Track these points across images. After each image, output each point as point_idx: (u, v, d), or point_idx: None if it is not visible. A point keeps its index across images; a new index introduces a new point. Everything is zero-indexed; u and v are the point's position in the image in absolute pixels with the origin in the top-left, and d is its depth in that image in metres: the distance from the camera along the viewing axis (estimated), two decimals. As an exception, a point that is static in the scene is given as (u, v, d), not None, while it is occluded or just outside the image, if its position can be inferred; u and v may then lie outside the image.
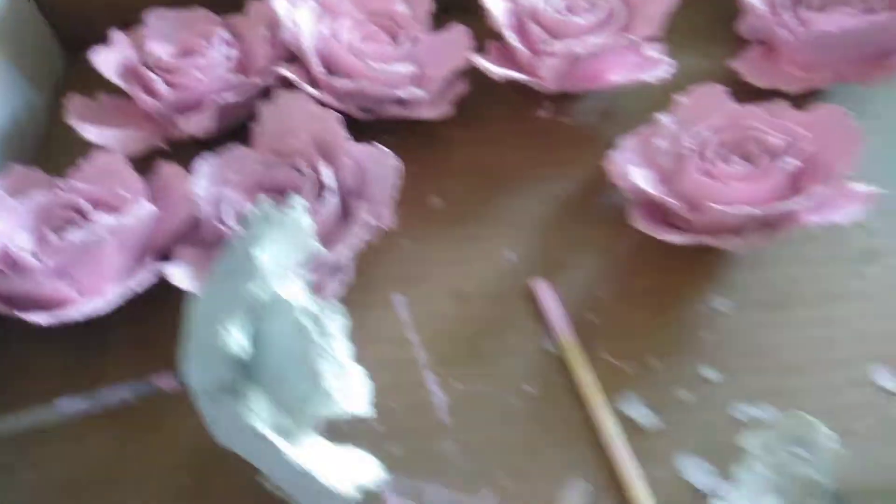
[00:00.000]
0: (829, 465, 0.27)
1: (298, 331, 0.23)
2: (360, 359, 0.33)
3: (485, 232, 0.40)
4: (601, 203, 0.40)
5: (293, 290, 0.25)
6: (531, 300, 0.37)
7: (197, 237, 0.37)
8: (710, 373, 0.34)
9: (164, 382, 0.27)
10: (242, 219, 0.25)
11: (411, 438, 0.33)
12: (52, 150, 0.46)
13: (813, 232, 0.38)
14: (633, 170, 0.37)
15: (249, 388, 0.22)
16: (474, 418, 0.34)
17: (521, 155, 0.43)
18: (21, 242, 0.34)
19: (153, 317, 0.36)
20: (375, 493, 0.28)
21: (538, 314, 0.37)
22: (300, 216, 0.26)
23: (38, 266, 0.32)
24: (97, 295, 0.34)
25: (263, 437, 0.22)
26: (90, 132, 0.39)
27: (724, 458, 0.31)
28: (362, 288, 0.38)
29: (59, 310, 0.33)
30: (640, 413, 0.33)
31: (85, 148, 0.40)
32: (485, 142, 0.44)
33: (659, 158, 0.38)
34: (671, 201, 0.35)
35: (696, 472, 0.31)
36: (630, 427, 0.33)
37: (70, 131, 0.41)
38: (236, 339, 0.22)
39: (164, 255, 0.36)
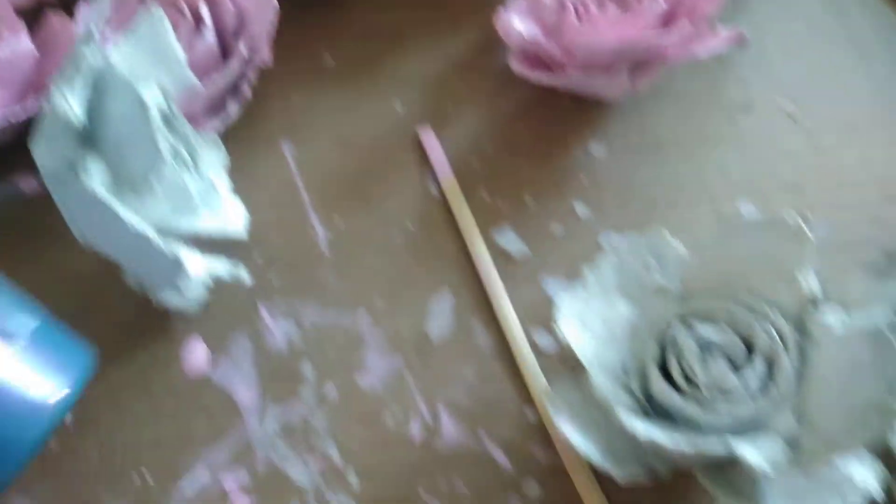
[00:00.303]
0: (675, 270, 0.29)
1: (138, 105, 0.24)
2: (247, 198, 0.34)
3: (375, 87, 0.41)
4: (490, 60, 0.41)
5: (151, 92, 0.26)
6: (417, 148, 0.38)
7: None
8: (581, 209, 0.36)
9: (25, 184, 0.27)
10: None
11: (291, 269, 0.34)
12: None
13: (690, 84, 0.40)
14: (518, 22, 0.38)
15: (88, 157, 0.23)
16: (354, 251, 0.35)
17: (416, 16, 0.44)
18: None
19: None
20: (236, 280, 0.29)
21: (423, 160, 0.38)
22: (160, 24, 0.26)
23: None
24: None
25: (100, 201, 0.22)
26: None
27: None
28: (251, 136, 0.38)
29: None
30: (512, 243, 0.34)
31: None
32: (380, 3, 0.44)
33: (544, 14, 0.39)
34: (549, 45, 0.36)
35: (560, 290, 0.33)
36: (503, 256, 0.34)
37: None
38: (69, 103, 0.22)
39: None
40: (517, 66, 0.37)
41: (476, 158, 0.38)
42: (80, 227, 0.26)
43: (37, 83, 0.36)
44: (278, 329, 0.32)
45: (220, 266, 0.27)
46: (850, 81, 0.40)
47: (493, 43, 0.41)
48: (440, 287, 0.33)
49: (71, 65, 0.22)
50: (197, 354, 0.31)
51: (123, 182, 0.24)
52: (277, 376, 0.31)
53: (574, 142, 0.38)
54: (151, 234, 0.23)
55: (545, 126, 0.39)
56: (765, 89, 0.40)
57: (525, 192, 0.36)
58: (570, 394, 0.27)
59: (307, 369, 0.31)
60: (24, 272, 0.33)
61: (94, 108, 0.24)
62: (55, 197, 0.26)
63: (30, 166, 0.32)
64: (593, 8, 0.37)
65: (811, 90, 0.40)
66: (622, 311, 0.29)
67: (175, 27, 0.35)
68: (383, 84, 0.41)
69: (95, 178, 0.23)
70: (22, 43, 0.35)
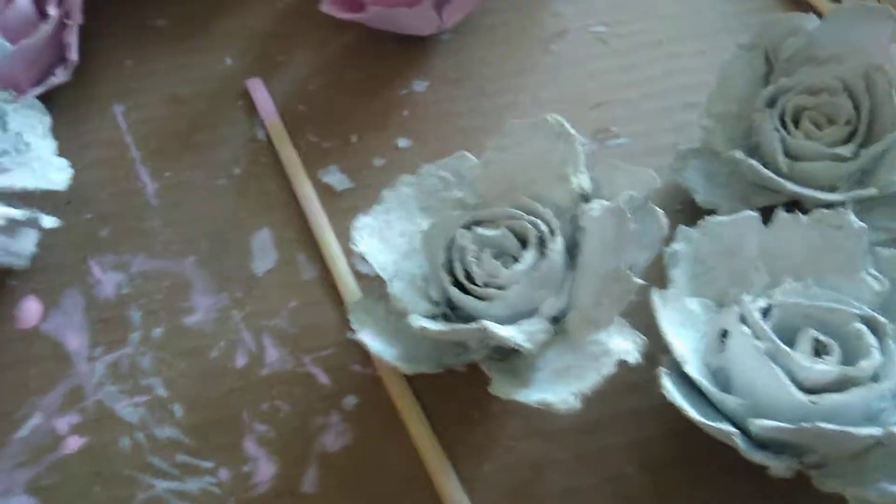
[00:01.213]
0: (471, 184, 0.31)
1: None
2: (76, 159, 0.34)
3: (205, 43, 0.42)
4: (316, 8, 0.42)
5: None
6: (245, 98, 0.39)
7: None
8: (403, 142, 0.37)
9: None
10: None
11: (118, 220, 0.35)
12: None
13: (506, 18, 0.42)
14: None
15: None
16: (182, 199, 0.36)
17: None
18: None
19: None
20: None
21: (251, 109, 0.39)
22: None
23: None
24: None
25: None
26: None
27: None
28: (82, 99, 0.39)
29: None
30: (336, 179, 0.36)
31: None
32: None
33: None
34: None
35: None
36: (327, 192, 0.36)
37: None
38: None
39: None
40: (326, 8, 0.38)
41: (304, 103, 0.39)
42: None
43: None
44: (108, 281, 0.33)
45: (15, 212, 0.28)
46: (657, 1, 0.42)
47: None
48: (265, 226, 0.35)
49: None
50: (29, 309, 0.32)
51: None
52: (106, 324, 0.32)
53: (398, 80, 0.40)
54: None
55: (370, 67, 0.40)
56: (577, 16, 0.42)
57: (351, 132, 0.38)
58: (372, 306, 0.29)
59: (135, 315, 0.32)
60: None
61: None
62: None
63: None
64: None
65: (621, 13, 0.42)
66: (422, 225, 0.30)
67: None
68: (214, 40, 0.42)
69: None
70: None
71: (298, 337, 0.31)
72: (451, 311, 0.29)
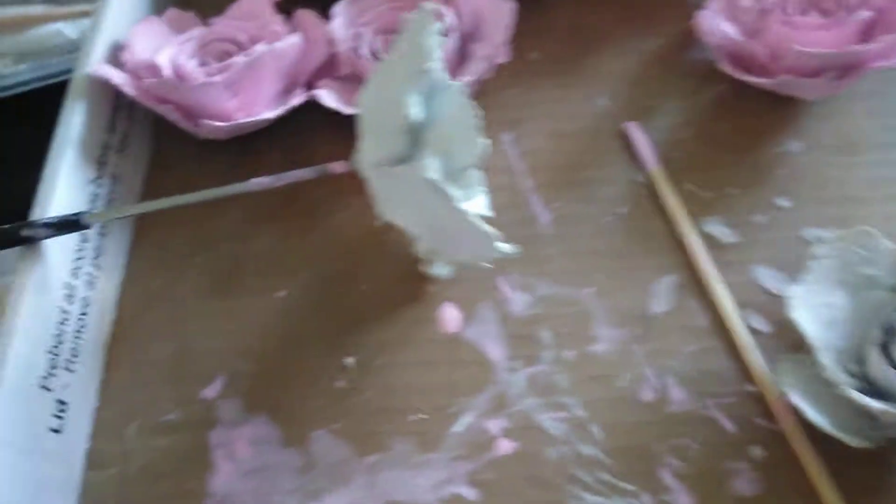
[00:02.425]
0: (888, 263, 0.32)
1: (465, 108, 0.29)
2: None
3: (580, 81, 0.45)
4: (687, 57, 0.45)
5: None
6: (623, 139, 0.42)
7: (333, 73, 0.42)
8: (782, 201, 0.39)
9: (335, 167, 0.32)
10: (408, 18, 0.29)
11: (520, 245, 0.38)
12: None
13: (883, 86, 0.42)
14: (722, 24, 0.41)
15: (423, 151, 0.28)
16: (574, 231, 0.39)
17: (614, 15, 0.47)
18: (190, 65, 0.39)
19: (298, 134, 0.42)
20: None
21: (630, 151, 0.42)
22: (427, 24, 0.30)
23: (210, 80, 0.38)
24: (255, 115, 0.40)
25: (438, 187, 0.27)
26: (235, -21, 0.44)
27: (794, 269, 0.36)
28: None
29: (226, 120, 0.38)
30: (719, 231, 0.38)
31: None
32: (580, 4, 0.48)
33: (743, 15, 0.42)
34: (756, 47, 0.39)
35: (768, 278, 0.37)
36: (710, 242, 0.38)
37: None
38: (415, 109, 0.27)
39: (306, 88, 0.42)
40: (726, 67, 0.40)
41: (678, 151, 0.41)
42: (389, 206, 0.31)
43: (296, 75, 0.42)
44: (517, 299, 0.37)
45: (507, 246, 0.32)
46: None
47: (689, 40, 0.45)
48: (657, 268, 0.37)
49: (417, 74, 0.27)
50: (451, 315, 0.36)
51: (447, 174, 0.29)
52: (520, 339, 0.36)
53: (771, 138, 0.41)
54: (476, 218, 0.28)
55: (742, 121, 0.42)
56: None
57: (727, 185, 0.40)
58: (796, 372, 0.31)
59: (545, 335, 0.36)
60: (306, 235, 0.39)
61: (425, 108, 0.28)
62: (373, 182, 0.31)
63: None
64: (795, 13, 0.40)
65: None
66: (840, 299, 0.32)
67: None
68: (586, 79, 0.45)
69: (433, 170, 0.28)
70: (294, 38, 0.40)
71: (699, 380, 0.34)
72: (867, 386, 0.31)
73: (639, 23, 0.47)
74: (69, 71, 0.61)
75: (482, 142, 0.30)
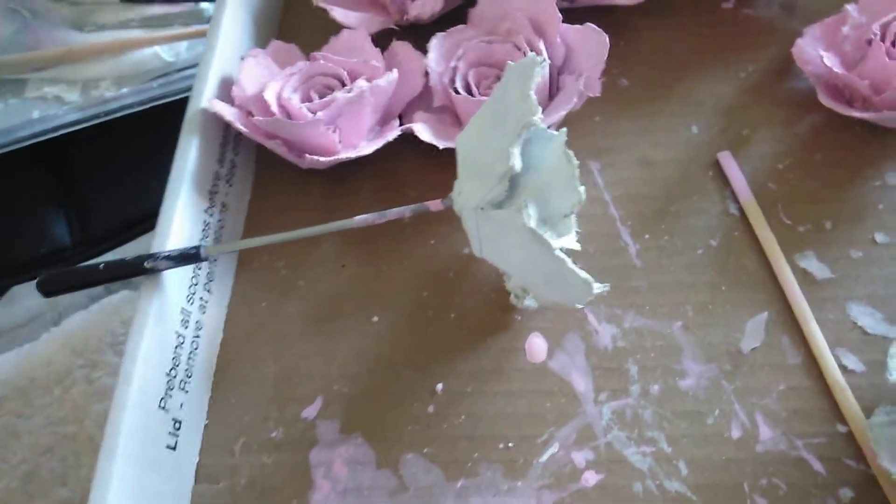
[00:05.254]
0: None
1: (566, 160, 0.30)
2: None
3: (669, 108, 0.45)
4: (784, 85, 0.44)
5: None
6: (714, 169, 0.42)
7: (425, 104, 0.44)
8: (880, 237, 0.38)
9: (433, 205, 0.34)
10: (512, 65, 0.30)
11: (607, 277, 0.39)
12: (291, 30, 0.53)
13: None
14: (821, 52, 0.40)
15: (523, 198, 0.29)
16: (662, 263, 0.39)
17: (705, 43, 0.47)
18: (294, 100, 0.42)
19: (385, 161, 0.44)
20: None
21: (721, 181, 0.41)
22: (528, 71, 0.31)
23: (314, 117, 0.40)
24: (353, 147, 0.42)
25: (538, 236, 0.28)
26: (337, 13, 0.46)
27: (891, 307, 0.36)
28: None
29: (329, 155, 0.40)
30: (814, 266, 0.38)
31: (319, 29, 0.47)
32: (670, 29, 0.48)
33: (844, 44, 0.41)
34: (858, 81, 0.38)
35: (865, 317, 0.36)
36: (804, 277, 0.37)
37: (302, 14, 0.48)
38: (520, 160, 0.28)
39: (399, 119, 0.43)
40: (824, 98, 0.39)
41: (773, 182, 0.41)
42: (484, 245, 0.32)
43: (392, 106, 0.44)
44: (603, 331, 0.37)
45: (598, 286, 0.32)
46: None
47: (786, 68, 0.44)
48: (748, 303, 0.37)
49: (525, 127, 0.28)
50: (538, 346, 0.37)
51: (544, 218, 0.30)
52: (606, 372, 0.36)
53: (870, 171, 0.40)
54: (573, 265, 0.29)
55: (840, 152, 0.41)
56: None
57: (823, 218, 0.39)
58: (888, 430, 0.31)
59: (632, 368, 0.36)
60: (398, 263, 0.41)
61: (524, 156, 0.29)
62: (469, 221, 0.32)
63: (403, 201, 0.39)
64: (898, 44, 0.39)
65: None
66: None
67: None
68: (676, 104, 0.45)
69: (533, 218, 0.29)
70: (393, 75, 0.42)
71: (789, 419, 0.34)
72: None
73: (732, 49, 0.46)
74: (169, 95, 0.66)
75: (581, 191, 0.31)
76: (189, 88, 0.68)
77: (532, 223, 0.29)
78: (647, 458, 0.34)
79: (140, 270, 0.35)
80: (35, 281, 0.34)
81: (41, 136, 0.64)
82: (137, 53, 0.72)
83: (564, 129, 0.30)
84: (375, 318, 0.40)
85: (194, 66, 0.69)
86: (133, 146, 0.73)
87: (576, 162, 0.30)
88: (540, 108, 0.28)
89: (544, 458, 0.35)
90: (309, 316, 0.41)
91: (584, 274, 0.29)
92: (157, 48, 0.72)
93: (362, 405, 0.38)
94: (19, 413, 0.55)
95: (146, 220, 0.73)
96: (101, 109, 0.65)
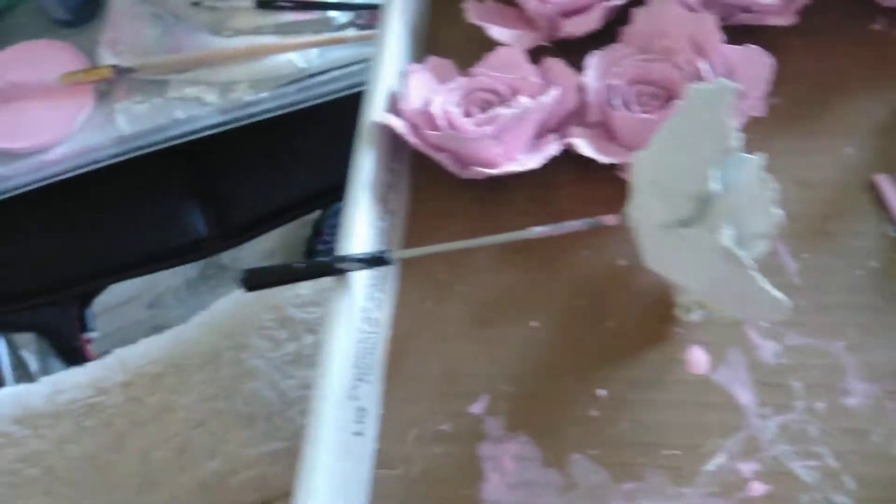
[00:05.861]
0: None
1: (762, 183, 0.31)
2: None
3: (823, 129, 0.45)
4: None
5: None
6: (871, 191, 0.42)
7: (580, 120, 0.45)
8: None
9: (608, 219, 0.36)
10: (694, 88, 0.32)
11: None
12: (443, 46, 0.55)
13: None
14: None
15: (716, 219, 0.30)
16: (823, 282, 0.40)
17: (856, 63, 0.47)
18: (457, 115, 0.44)
19: (536, 173, 0.45)
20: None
21: (880, 204, 0.42)
22: (721, 98, 0.32)
23: (480, 131, 0.42)
24: (513, 160, 0.44)
25: (733, 256, 0.30)
26: (494, 31, 0.48)
27: None
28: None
29: (492, 167, 0.43)
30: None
31: (470, 44, 0.49)
32: (820, 49, 0.48)
33: None
34: None
35: None
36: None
37: (450, 31, 0.50)
38: (717, 182, 0.30)
39: (557, 134, 0.45)
40: None
41: (930, 206, 0.41)
42: (661, 260, 0.34)
43: (549, 121, 0.46)
44: (765, 347, 0.39)
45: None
46: None
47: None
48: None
49: (722, 151, 0.30)
50: (699, 358, 0.39)
51: (737, 239, 0.32)
52: (770, 387, 0.37)
53: None
54: (763, 281, 0.30)
55: None
56: None
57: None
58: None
59: (795, 385, 0.37)
60: (553, 271, 0.43)
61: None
62: (647, 237, 0.34)
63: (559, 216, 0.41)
64: None
65: None
66: None
67: (674, 84, 0.42)
68: (830, 125, 0.45)
69: (728, 238, 0.31)
70: (554, 92, 0.44)
71: (958, 443, 0.34)
72: None
73: (883, 70, 0.47)
74: (306, 100, 0.70)
75: (777, 213, 0.32)
76: (324, 94, 0.72)
77: (728, 243, 0.30)
78: (814, 471, 0.35)
79: (332, 270, 0.38)
80: (239, 277, 0.38)
81: (189, 136, 0.69)
82: (272, 59, 0.75)
83: (762, 154, 0.32)
84: (534, 324, 0.42)
85: (326, 71, 0.73)
86: (264, 144, 0.77)
87: (773, 185, 0.32)
88: (737, 134, 0.30)
89: (710, 467, 0.36)
90: (470, 319, 0.43)
91: (777, 293, 0.30)
92: (290, 54, 0.76)
93: (526, 405, 0.40)
94: (174, 389, 0.59)
95: (277, 216, 0.77)
96: (244, 113, 0.69)
